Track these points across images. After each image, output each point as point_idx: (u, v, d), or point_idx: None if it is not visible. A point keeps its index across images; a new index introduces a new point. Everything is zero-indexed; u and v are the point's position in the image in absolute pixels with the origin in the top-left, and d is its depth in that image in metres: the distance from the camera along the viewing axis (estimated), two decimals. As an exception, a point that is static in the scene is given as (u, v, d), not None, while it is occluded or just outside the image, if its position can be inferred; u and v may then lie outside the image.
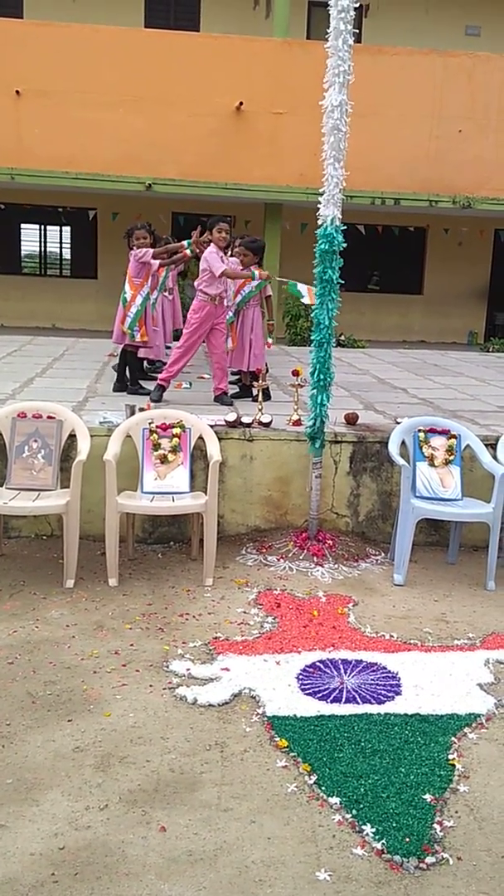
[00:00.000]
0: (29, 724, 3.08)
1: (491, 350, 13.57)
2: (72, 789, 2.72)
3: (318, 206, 4.76)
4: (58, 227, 15.75)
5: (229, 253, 7.28)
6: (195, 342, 6.22)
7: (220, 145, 12.25)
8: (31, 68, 11.89)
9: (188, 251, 6.40)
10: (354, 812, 2.64)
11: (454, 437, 4.97)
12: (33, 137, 12.06)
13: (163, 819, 2.59)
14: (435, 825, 2.60)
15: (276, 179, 12.41)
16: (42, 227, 15.78)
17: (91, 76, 11.89)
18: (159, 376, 6.36)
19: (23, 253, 15.97)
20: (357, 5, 4.53)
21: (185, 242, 6.53)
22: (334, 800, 2.70)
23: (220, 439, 4.95)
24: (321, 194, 4.74)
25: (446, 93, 12.70)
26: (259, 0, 14.29)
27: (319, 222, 4.77)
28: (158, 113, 12.08)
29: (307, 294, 5.43)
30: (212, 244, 6.13)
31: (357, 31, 4.70)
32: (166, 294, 8.02)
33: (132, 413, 5.14)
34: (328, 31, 4.53)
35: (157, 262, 6.48)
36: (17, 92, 11.97)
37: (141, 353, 6.98)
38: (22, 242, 15.87)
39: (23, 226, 15.74)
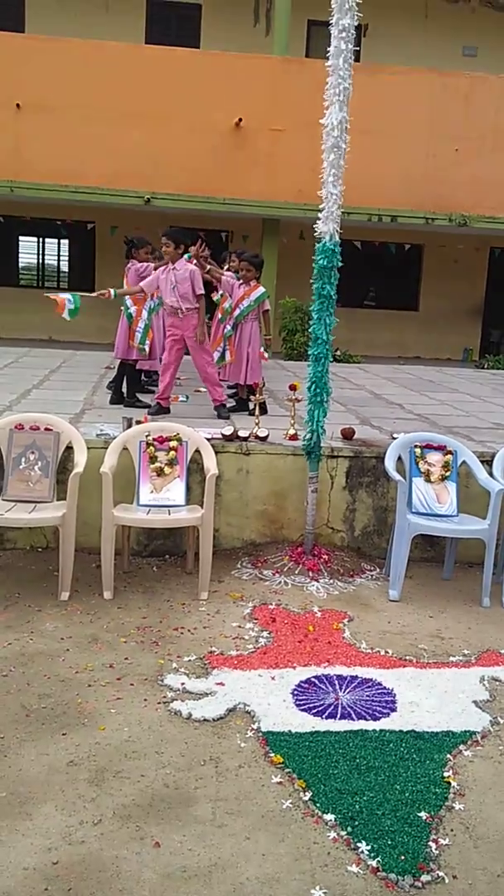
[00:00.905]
0: (23, 738, 3.06)
1: (486, 367, 13.64)
2: (66, 804, 2.70)
3: (317, 221, 4.80)
4: (56, 240, 15.79)
5: (225, 267, 7.34)
6: (171, 357, 6.23)
7: (218, 161, 12.34)
8: (31, 82, 11.97)
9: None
10: (349, 829, 2.63)
11: (450, 453, 4.99)
12: (33, 151, 12.12)
13: (157, 834, 2.57)
14: (430, 843, 2.59)
15: (273, 195, 12.50)
16: (41, 239, 15.83)
17: (91, 91, 11.97)
18: (155, 396, 6.36)
19: (21, 265, 16.01)
20: (357, 25, 4.59)
21: (185, 256, 6.56)
22: (329, 817, 2.69)
23: (216, 453, 4.95)
24: (319, 210, 4.77)
25: (443, 112, 12.83)
26: (259, 17, 14.43)
27: (317, 237, 4.81)
28: (158, 128, 12.16)
29: None
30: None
31: (357, 48, 4.75)
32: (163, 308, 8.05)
33: (129, 426, 5.14)
34: (328, 49, 4.58)
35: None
36: (18, 105, 12.04)
37: (140, 364, 7.00)
38: (20, 255, 15.91)
39: (21, 238, 15.78)
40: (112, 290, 6.16)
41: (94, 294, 6.13)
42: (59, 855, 2.46)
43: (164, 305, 6.20)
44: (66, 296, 5.89)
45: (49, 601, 4.37)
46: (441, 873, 2.47)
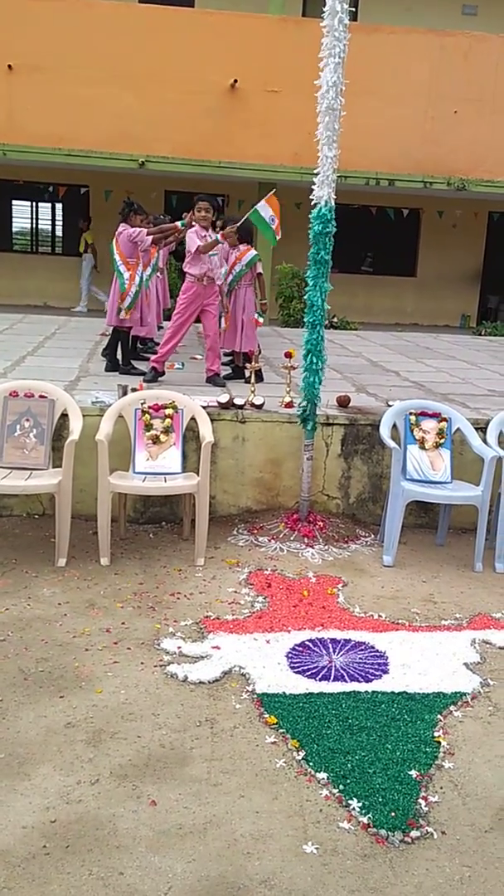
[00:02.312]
0: (21, 701, 3.12)
1: (483, 333, 13.60)
2: (63, 764, 2.76)
3: (313, 186, 4.75)
4: (49, 204, 15.61)
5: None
6: (184, 323, 6.21)
7: (213, 123, 12.16)
8: (24, 43, 11.73)
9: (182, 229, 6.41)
10: (341, 787, 2.69)
11: (445, 420, 5.00)
12: (25, 113, 11.93)
13: (153, 793, 2.63)
14: (420, 800, 2.66)
15: (270, 158, 12.34)
16: (34, 203, 15.64)
17: (85, 51, 11.75)
18: (152, 359, 6.36)
19: (14, 230, 15.84)
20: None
21: (178, 223, 6.53)
22: (322, 775, 2.75)
23: (212, 420, 4.96)
24: (316, 174, 4.73)
25: (442, 73, 12.61)
26: (255, -25, 14.09)
27: (313, 203, 4.77)
28: (152, 90, 11.96)
29: (274, 213, 5.55)
30: (196, 224, 6.11)
31: (353, 9, 4.67)
32: (157, 274, 8.00)
33: (124, 393, 5.14)
34: (324, 9, 4.50)
35: (150, 238, 6.47)
36: (10, 66, 11.82)
37: (134, 331, 6.97)
38: (13, 219, 15.73)
39: (14, 202, 15.59)
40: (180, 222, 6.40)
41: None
42: (57, 814, 2.52)
43: (208, 273, 6.11)
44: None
45: (46, 567, 4.41)
46: (430, 829, 2.53)
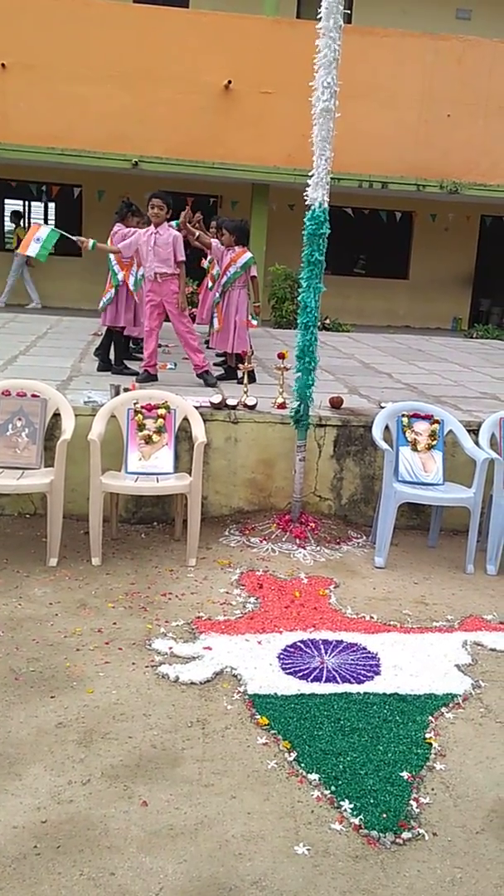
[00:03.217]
0: (12, 700, 3.10)
1: (475, 336, 13.63)
2: (54, 764, 2.75)
3: (307, 187, 4.76)
4: (42, 204, 15.55)
5: (213, 235, 7.27)
6: (152, 323, 6.18)
7: (207, 124, 12.14)
8: (17, 41, 11.69)
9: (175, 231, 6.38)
10: (333, 788, 2.69)
11: (437, 422, 5.01)
12: (19, 112, 11.89)
13: (144, 794, 2.63)
14: (411, 802, 2.66)
15: (263, 160, 12.34)
16: (26, 203, 15.58)
17: (79, 51, 11.71)
18: (141, 365, 6.33)
19: (6, 229, 15.77)
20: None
21: (173, 223, 6.51)
22: (313, 776, 2.75)
23: (204, 421, 4.95)
24: (309, 176, 4.73)
25: (436, 77, 12.64)
26: (249, -23, 14.10)
27: (307, 204, 4.77)
28: (146, 90, 11.94)
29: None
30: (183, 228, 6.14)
31: (348, 11, 4.68)
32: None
33: (117, 393, 5.13)
34: (319, 10, 4.51)
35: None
36: (3, 65, 11.78)
37: (128, 331, 6.96)
38: (5, 219, 15.66)
39: (6, 201, 15.53)
40: (91, 241, 6.10)
41: (74, 238, 6.08)
42: (48, 814, 2.51)
43: (144, 269, 6.14)
44: (44, 229, 5.83)
45: (37, 567, 4.40)
46: (422, 831, 2.53)
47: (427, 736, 3.03)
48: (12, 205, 15.61)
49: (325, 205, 4.73)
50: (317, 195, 4.71)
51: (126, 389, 5.21)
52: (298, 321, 4.97)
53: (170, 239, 5.99)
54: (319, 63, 4.53)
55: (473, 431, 5.17)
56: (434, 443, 4.95)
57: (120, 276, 6.46)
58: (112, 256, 6.51)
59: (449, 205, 14.57)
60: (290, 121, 11.51)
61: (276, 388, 5.67)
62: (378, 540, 4.84)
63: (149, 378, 6.14)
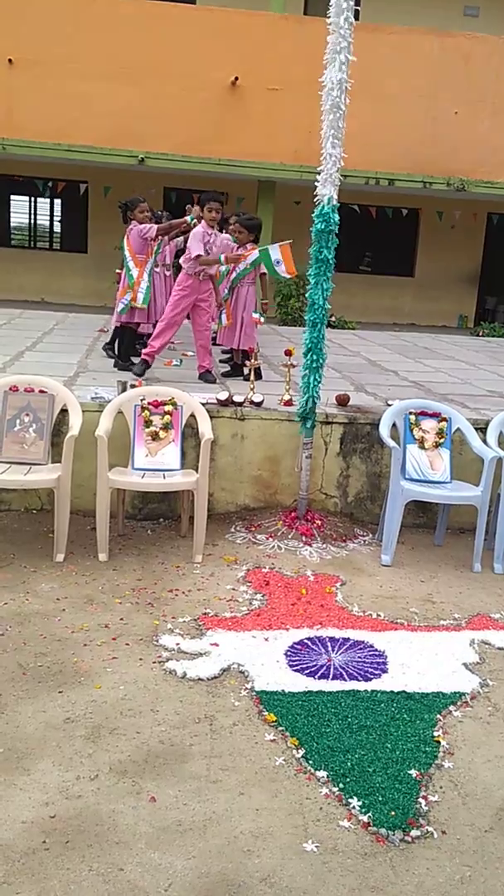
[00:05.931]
0: (20, 696, 3.11)
1: (481, 334, 13.61)
2: (63, 759, 2.75)
3: (315, 184, 4.74)
4: (48, 200, 15.56)
5: (224, 230, 7.24)
6: (177, 316, 6.21)
7: (214, 120, 12.14)
8: (24, 38, 11.69)
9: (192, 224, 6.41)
10: (341, 785, 2.69)
11: (444, 420, 5.00)
12: (25, 108, 11.89)
13: (153, 789, 2.63)
14: (420, 800, 2.65)
15: (270, 156, 12.32)
16: (32, 199, 15.59)
17: (85, 47, 11.72)
18: (143, 351, 6.34)
19: (12, 225, 15.79)
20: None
21: (187, 218, 6.55)
22: (321, 773, 2.75)
23: (211, 418, 4.95)
24: (316, 173, 4.72)
25: (443, 74, 12.62)
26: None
27: (316, 201, 4.76)
28: (152, 86, 11.94)
29: (282, 259, 5.62)
30: (202, 222, 6.10)
31: (357, 7, 4.66)
32: (157, 269, 7.97)
33: (124, 389, 5.13)
34: (328, 7, 4.49)
35: (154, 229, 6.45)
36: (10, 61, 11.78)
37: (142, 328, 6.96)
38: (11, 214, 15.68)
39: (12, 197, 15.54)
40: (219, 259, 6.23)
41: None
42: (57, 809, 2.51)
43: (187, 265, 6.12)
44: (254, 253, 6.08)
45: (44, 562, 4.40)
46: (430, 829, 2.53)
47: (435, 734, 3.03)
48: (18, 200, 15.62)
49: (335, 201, 4.72)
50: (326, 191, 4.70)
51: (133, 386, 5.20)
52: (306, 318, 4.95)
53: (223, 242, 6.16)
54: (330, 59, 4.52)
55: (481, 429, 5.16)
56: (441, 441, 4.94)
57: (135, 274, 6.44)
58: (127, 254, 6.49)
59: (455, 202, 14.54)
60: (297, 117, 11.50)
61: (283, 385, 5.66)
62: (385, 538, 4.83)
63: (145, 368, 6.15)
